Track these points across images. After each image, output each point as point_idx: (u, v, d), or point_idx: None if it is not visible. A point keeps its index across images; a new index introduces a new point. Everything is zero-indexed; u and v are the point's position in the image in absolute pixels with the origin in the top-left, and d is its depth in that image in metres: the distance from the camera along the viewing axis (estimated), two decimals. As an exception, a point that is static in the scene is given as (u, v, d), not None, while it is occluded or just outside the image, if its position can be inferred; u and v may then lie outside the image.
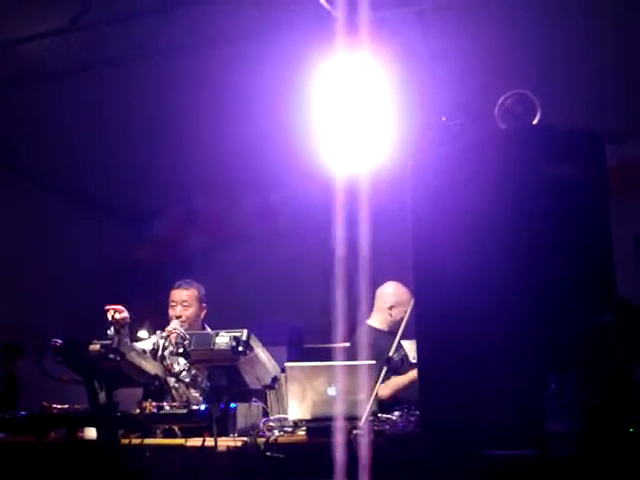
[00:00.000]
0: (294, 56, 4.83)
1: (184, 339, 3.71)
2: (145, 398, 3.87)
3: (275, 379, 3.86)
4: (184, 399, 4.02)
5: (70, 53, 5.13)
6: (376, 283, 4.96)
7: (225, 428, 3.58)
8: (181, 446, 3.56)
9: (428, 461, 3.09)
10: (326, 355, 3.95)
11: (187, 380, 3.90)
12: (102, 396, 3.60)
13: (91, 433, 3.72)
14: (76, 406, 3.88)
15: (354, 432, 3.36)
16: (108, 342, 3.55)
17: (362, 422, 3.41)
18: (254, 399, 3.86)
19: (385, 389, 4.31)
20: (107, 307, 4.01)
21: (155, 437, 3.68)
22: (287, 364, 3.82)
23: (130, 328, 4.13)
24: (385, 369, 3.77)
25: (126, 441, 3.63)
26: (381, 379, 3.76)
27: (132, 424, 3.69)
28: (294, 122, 5.09)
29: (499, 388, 2.88)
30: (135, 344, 4.09)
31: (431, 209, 3.25)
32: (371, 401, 3.51)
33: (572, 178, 2.97)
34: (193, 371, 3.98)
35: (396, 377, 4.42)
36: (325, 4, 4.44)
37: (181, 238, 7.38)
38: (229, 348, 3.61)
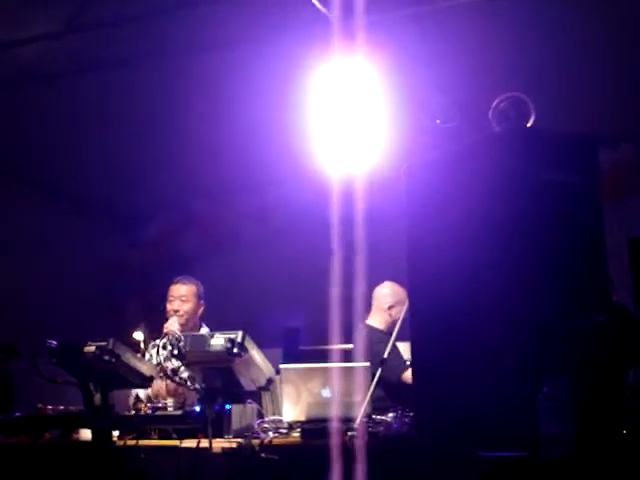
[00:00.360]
0: (289, 58, 4.84)
1: (179, 340, 3.72)
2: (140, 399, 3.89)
3: (270, 381, 3.88)
4: (181, 400, 4.02)
5: (66, 56, 5.13)
6: (371, 284, 4.98)
7: (220, 429, 3.60)
8: (176, 447, 3.56)
9: (422, 462, 3.11)
10: (322, 357, 3.96)
11: (185, 377, 3.92)
12: (97, 397, 3.60)
13: (86, 434, 3.72)
14: (71, 407, 3.89)
15: (348, 434, 3.37)
16: (103, 344, 3.56)
17: (356, 423, 3.42)
18: (249, 401, 3.86)
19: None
20: None
21: (150, 438, 3.68)
22: (282, 366, 3.83)
23: (125, 330, 4.16)
24: (379, 371, 3.78)
25: (121, 442, 3.64)
26: (375, 381, 3.76)
27: (127, 425, 3.70)
28: (290, 124, 5.10)
29: (493, 390, 2.89)
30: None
31: (425, 212, 3.26)
32: (365, 402, 3.52)
33: (566, 182, 2.98)
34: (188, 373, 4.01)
35: None
36: (321, 7, 4.45)
37: (176, 240, 7.37)
38: (224, 350, 3.63)
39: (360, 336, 4.62)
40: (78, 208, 7.18)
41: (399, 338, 4.08)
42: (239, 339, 3.64)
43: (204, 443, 3.48)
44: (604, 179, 3.11)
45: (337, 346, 3.80)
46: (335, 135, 4.07)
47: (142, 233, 7.43)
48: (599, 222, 3.01)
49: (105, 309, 6.86)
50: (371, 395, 3.62)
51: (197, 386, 3.85)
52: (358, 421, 3.44)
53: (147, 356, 4.37)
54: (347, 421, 3.47)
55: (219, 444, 3.50)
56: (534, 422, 2.75)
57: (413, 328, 3.34)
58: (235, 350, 3.62)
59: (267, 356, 3.98)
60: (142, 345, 4.24)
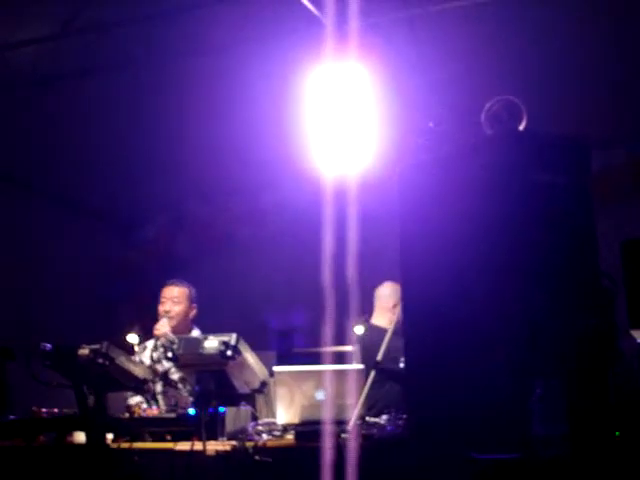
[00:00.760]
0: (284, 61, 4.85)
1: (173, 343, 3.73)
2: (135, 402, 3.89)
3: (264, 383, 3.88)
4: (172, 402, 4.03)
5: (63, 58, 5.13)
6: (367, 285, 4.99)
7: (214, 432, 3.59)
8: (170, 450, 3.56)
9: (415, 464, 3.11)
10: (317, 359, 3.96)
11: (176, 379, 3.92)
12: (91, 400, 3.60)
13: (80, 437, 3.72)
14: (65, 410, 3.89)
15: (342, 436, 3.38)
16: (97, 346, 3.57)
17: (350, 426, 3.43)
18: (243, 403, 3.87)
19: None
20: None
21: (144, 441, 3.68)
22: (275, 368, 3.83)
23: (119, 332, 4.16)
24: (373, 372, 3.79)
25: (115, 445, 3.64)
26: (370, 382, 3.78)
27: (121, 428, 3.70)
28: (285, 126, 5.11)
29: (485, 391, 2.90)
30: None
31: (418, 212, 3.27)
32: (359, 405, 3.53)
33: (557, 183, 2.99)
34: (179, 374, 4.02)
35: None
36: (315, 11, 4.46)
37: (172, 242, 7.37)
38: (218, 352, 3.63)
39: (368, 336, 4.66)
40: (74, 210, 7.18)
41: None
42: (233, 342, 3.64)
43: (198, 446, 3.48)
44: (595, 181, 3.13)
45: (331, 348, 3.81)
46: (330, 137, 4.09)
47: (138, 235, 7.43)
48: (590, 223, 3.02)
49: (99, 311, 6.85)
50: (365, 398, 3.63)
51: (188, 387, 3.86)
52: (352, 423, 3.45)
53: (137, 358, 4.39)
54: (341, 423, 3.48)
55: (213, 447, 3.49)
56: (527, 423, 2.77)
57: (406, 330, 3.35)
58: (229, 353, 3.62)
59: (261, 359, 3.99)
60: (136, 348, 4.25)
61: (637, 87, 5.20)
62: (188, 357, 3.74)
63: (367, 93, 4.15)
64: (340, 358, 4.01)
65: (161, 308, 4.57)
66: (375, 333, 4.77)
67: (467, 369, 2.98)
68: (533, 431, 2.77)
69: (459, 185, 3.10)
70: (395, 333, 4.55)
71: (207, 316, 4.72)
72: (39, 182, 6.73)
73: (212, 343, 3.66)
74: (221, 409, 3.66)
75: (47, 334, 3.83)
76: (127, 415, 3.85)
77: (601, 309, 3.03)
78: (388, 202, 3.49)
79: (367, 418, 3.66)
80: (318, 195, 3.19)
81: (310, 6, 4.48)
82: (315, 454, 3.07)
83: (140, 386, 3.80)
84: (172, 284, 4.66)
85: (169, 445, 3.59)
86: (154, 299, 4.68)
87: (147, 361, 4.43)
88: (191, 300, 4.66)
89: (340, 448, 3.25)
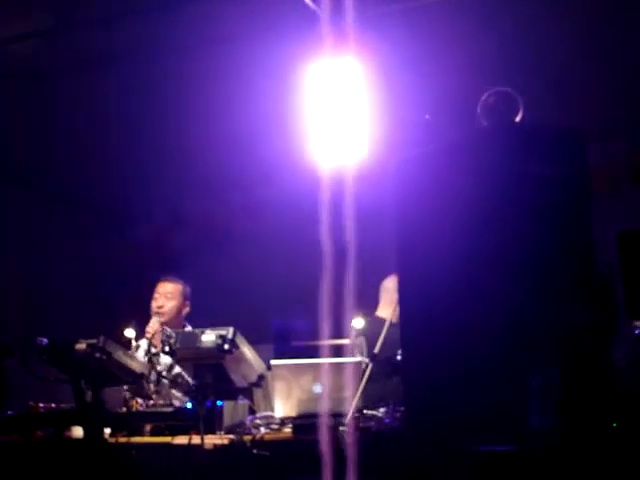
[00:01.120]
0: (279, 55, 4.84)
1: (170, 337, 3.73)
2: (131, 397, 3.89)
3: (261, 377, 3.88)
4: (166, 400, 4.03)
5: (57, 53, 5.12)
6: (364, 279, 4.98)
7: (212, 426, 3.60)
8: (168, 444, 3.56)
9: (413, 457, 3.11)
10: (315, 353, 3.96)
11: (169, 378, 3.92)
12: (88, 395, 3.61)
13: (78, 432, 3.72)
14: (62, 405, 3.89)
15: (340, 429, 3.38)
16: (94, 341, 3.57)
17: (348, 419, 3.43)
18: (240, 397, 3.87)
19: None
20: None
21: (142, 435, 3.69)
22: (272, 361, 3.83)
23: (116, 328, 4.16)
24: (370, 366, 3.78)
25: (113, 440, 3.64)
26: (366, 377, 3.77)
27: (119, 423, 3.70)
28: (281, 120, 5.10)
29: (481, 383, 2.90)
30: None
31: (414, 206, 3.27)
32: (357, 398, 3.53)
33: (554, 175, 2.99)
34: (175, 370, 4.01)
35: None
36: (310, 3, 4.45)
37: (168, 238, 7.37)
38: (215, 346, 3.63)
39: (374, 327, 4.66)
40: (67, 207, 7.17)
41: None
42: (230, 335, 3.64)
43: (196, 440, 3.49)
44: (593, 173, 3.12)
45: (329, 341, 3.81)
46: (326, 131, 4.08)
47: (134, 231, 7.43)
48: (587, 216, 3.02)
49: (96, 306, 6.85)
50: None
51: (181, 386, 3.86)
52: (349, 416, 3.45)
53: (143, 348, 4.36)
54: (338, 416, 3.48)
55: (211, 440, 3.50)
56: (523, 415, 2.77)
57: (403, 323, 3.35)
58: (226, 346, 3.62)
59: (259, 352, 3.98)
60: (133, 342, 4.24)
61: (634, 79, 5.20)
62: (185, 351, 3.74)
63: (364, 86, 4.14)
64: (338, 351, 4.01)
65: (154, 304, 4.55)
66: (378, 325, 4.76)
67: (463, 362, 2.98)
68: (529, 423, 2.77)
69: (455, 177, 3.09)
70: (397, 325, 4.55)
71: (206, 311, 4.71)
72: (35, 180, 6.73)
73: (209, 337, 3.66)
74: (219, 403, 3.66)
75: (46, 330, 3.82)
76: (124, 409, 3.85)
77: (598, 299, 3.03)
78: (386, 195, 3.48)
79: (365, 410, 3.66)
80: (316, 189, 3.19)
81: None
82: (313, 447, 3.08)
83: (137, 380, 3.79)
84: (166, 280, 4.65)
85: (167, 439, 3.60)
86: (151, 294, 4.68)
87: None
88: (184, 297, 4.65)
89: (338, 441, 3.25)
